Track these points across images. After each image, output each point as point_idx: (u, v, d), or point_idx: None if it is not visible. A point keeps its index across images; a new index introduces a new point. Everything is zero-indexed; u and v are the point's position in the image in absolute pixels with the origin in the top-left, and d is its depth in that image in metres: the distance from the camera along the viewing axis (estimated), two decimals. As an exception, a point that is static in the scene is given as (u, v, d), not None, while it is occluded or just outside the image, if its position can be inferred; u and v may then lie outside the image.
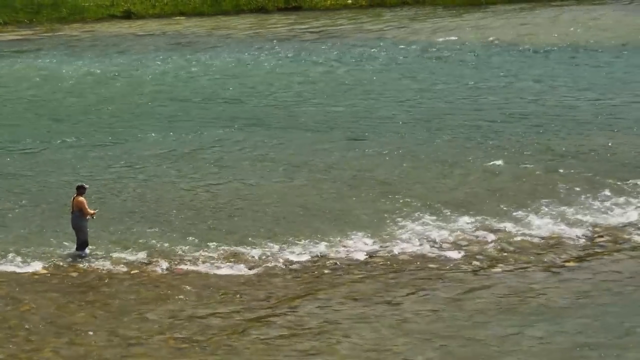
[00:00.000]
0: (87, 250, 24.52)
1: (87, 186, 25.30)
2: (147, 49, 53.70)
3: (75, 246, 24.67)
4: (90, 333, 20.45)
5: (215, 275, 23.37)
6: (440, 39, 54.17)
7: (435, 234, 25.58)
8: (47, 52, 53.17)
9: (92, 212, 24.70)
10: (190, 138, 35.01)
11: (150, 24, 62.22)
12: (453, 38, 54.49)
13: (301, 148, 33.54)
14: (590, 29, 56.19)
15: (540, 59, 48.57)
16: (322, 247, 24.81)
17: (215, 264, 23.92)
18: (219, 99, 41.59)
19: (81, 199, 24.58)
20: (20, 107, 40.70)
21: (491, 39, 53.75)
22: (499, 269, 23.55)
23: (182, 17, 64.13)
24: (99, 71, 47.69)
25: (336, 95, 41.64)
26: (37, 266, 23.92)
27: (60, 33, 59.93)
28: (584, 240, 25.29)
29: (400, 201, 27.91)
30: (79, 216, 24.55)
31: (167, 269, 23.71)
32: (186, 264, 23.94)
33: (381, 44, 53.27)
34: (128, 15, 64.35)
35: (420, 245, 25.00)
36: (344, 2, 66.14)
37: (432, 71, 46.36)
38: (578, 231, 25.73)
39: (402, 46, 52.52)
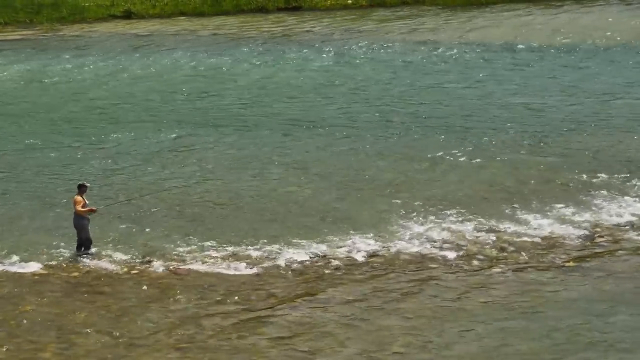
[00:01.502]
0: (92, 250, 24.50)
1: (88, 185, 25.28)
2: (121, 49, 53.87)
3: (77, 245, 24.69)
4: (90, 333, 20.45)
5: (215, 275, 23.37)
6: (436, 40, 54.18)
7: (435, 234, 25.58)
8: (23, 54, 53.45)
9: (81, 210, 24.48)
10: (184, 138, 35.05)
11: (147, 24, 62.26)
12: (447, 38, 54.53)
13: (299, 149, 33.56)
14: (588, 28, 56.19)
15: (536, 59, 48.57)
16: (322, 247, 24.82)
17: (215, 264, 23.92)
18: (205, 99, 41.69)
19: (77, 197, 24.55)
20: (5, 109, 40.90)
21: (487, 38, 53.76)
22: (499, 269, 23.55)
23: (182, 17, 64.14)
24: (75, 72, 47.92)
25: (328, 95, 41.68)
26: (37, 266, 23.93)
27: (61, 33, 59.99)
28: (584, 240, 25.28)
29: (400, 201, 27.92)
30: (78, 215, 24.55)
31: (167, 269, 23.72)
32: (186, 264, 23.95)
33: (364, 43, 53.39)
34: (128, 15, 64.39)
35: (420, 245, 25.00)
36: (344, 2, 66.15)
37: (427, 72, 46.34)
38: (578, 231, 25.73)
39: (387, 46, 52.57)
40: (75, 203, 24.50)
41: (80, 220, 24.54)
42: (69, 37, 58.46)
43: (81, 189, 24.74)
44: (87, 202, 24.69)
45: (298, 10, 65.31)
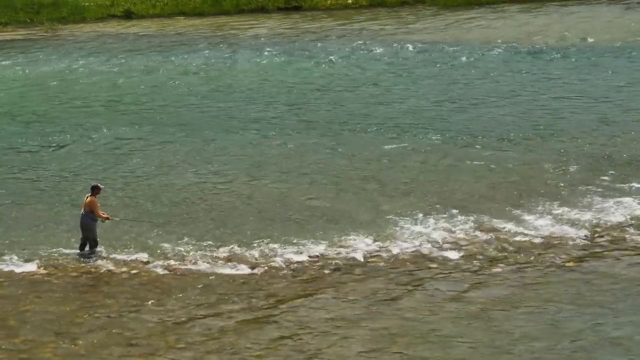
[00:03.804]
0: (98, 249, 24.52)
1: (102, 186, 25.23)
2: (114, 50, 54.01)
3: (80, 245, 24.66)
4: (90, 333, 20.46)
5: (215, 275, 23.38)
6: (433, 39, 54.19)
7: (435, 234, 25.58)
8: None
9: (104, 215, 24.60)
10: (182, 139, 35.05)
11: (145, 23, 62.32)
12: (443, 38, 54.53)
13: (299, 149, 33.55)
14: (590, 28, 56.17)
15: (536, 59, 48.53)
16: (322, 247, 24.81)
17: (215, 264, 23.93)
18: (207, 100, 41.73)
19: (94, 200, 24.51)
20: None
21: (488, 38, 53.77)
22: (499, 269, 23.55)
23: (181, 17, 64.18)
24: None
25: (316, 95, 41.72)
26: (37, 266, 23.94)
27: (60, 33, 60.04)
28: (584, 240, 25.28)
29: (400, 201, 27.92)
30: (90, 216, 24.52)
31: (167, 269, 23.72)
32: (186, 264, 23.95)
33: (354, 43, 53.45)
34: (128, 15, 64.41)
35: (420, 245, 25.00)
36: (344, 2, 66.14)
37: (423, 72, 46.31)
38: (578, 231, 25.72)
39: (383, 47, 52.62)
40: (95, 205, 24.42)
41: (90, 221, 24.51)
42: (62, 37, 58.52)
43: (95, 190, 24.69)
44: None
45: (298, 10, 65.30)
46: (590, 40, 52.68)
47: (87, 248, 24.61)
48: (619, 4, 64.09)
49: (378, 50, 51.39)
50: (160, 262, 24.02)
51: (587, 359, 19.20)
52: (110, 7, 64.94)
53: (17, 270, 23.76)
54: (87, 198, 24.68)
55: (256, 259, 24.23)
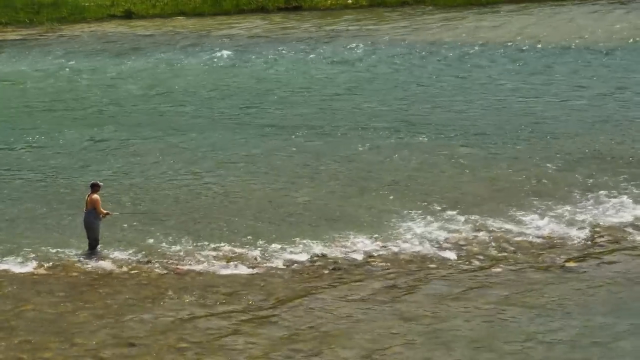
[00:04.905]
0: (98, 249, 24.52)
1: (101, 184, 25.21)
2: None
3: (87, 245, 24.63)
4: (90, 333, 20.46)
5: (215, 275, 23.38)
6: (429, 39, 54.22)
7: (435, 234, 25.58)
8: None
9: (105, 212, 24.62)
10: (182, 138, 35.03)
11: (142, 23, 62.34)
12: (441, 37, 54.54)
13: (299, 148, 33.52)
14: (589, 28, 56.18)
15: (535, 59, 48.51)
16: (322, 247, 24.81)
17: (215, 264, 23.93)
18: (218, 99, 41.73)
19: (96, 197, 24.49)
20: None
21: (485, 38, 53.78)
22: (499, 269, 23.55)
23: (182, 17, 64.18)
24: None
25: (317, 96, 41.70)
26: (37, 266, 23.93)
27: (59, 33, 60.05)
28: (584, 240, 25.28)
29: (400, 201, 27.92)
30: (92, 214, 24.51)
31: (167, 269, 23.72)
32: (186, 264, 23.95)
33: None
34: (128, 15, 64.40)
35: (420, 245, 25.00)
36: (345, 2, 66.13)
37: (419, 71, 46.30)
38: (578, 231, 25.73)
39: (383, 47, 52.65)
40: (97, 202, 24.40)
41: (93, 219, 24.49)
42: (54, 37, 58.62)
43: (94, 187, 24.65)
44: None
45: (298, 10, 65.32)
46: (589, 40, 52.66)
47: (87, 248, 24.61)
48: (619, 4, 64.08)
49: (366, 50, 51.37)
50: (160, 262, 24.03)
51: (588, 358, 19.20)
52: (111, 7, 64.89)
53: (17, 270, 23.76)
54: (88, 196, 24.68)
55: (256, 259, 24.23)
